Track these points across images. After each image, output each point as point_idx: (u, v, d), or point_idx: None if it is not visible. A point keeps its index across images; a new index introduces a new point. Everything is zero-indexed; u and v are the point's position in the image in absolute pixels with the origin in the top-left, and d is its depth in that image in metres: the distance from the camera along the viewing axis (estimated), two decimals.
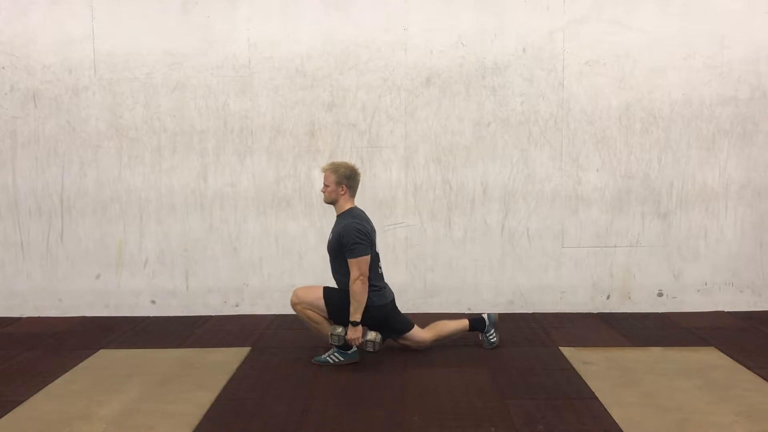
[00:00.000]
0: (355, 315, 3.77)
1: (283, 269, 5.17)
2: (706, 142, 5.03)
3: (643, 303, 5.14)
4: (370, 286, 3.80)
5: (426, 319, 5.01)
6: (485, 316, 4.24)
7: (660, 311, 5.11)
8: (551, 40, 4.97)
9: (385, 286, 4.02)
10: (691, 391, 3.45)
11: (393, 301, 4.03)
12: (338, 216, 3.95)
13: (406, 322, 4.10)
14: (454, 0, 4.96)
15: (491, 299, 5.15)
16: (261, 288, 5.19)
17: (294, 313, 5.05)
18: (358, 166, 4.99)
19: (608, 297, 5.15)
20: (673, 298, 5.14)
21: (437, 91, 5.01)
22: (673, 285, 5.14)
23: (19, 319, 5.17)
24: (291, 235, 5.14)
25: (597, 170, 5.06)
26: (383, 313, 3.93)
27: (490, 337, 4.21)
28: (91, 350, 4.27)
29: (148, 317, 5.16)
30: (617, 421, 3.07)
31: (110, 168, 5.12)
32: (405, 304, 4.99)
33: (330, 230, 4.02)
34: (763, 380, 3.59)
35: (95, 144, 5.10)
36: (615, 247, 5.12)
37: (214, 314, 5.19)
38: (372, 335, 3.86)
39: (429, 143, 5.05)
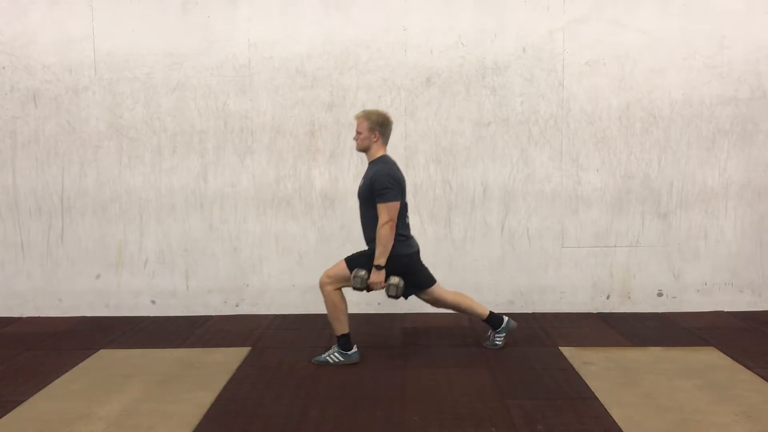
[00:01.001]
0: (380, 259, 3.74)
1: (283, 269, 5.17)
2: (706, 142, 5.03)
3: (643, 303, 5.14)
4: (396, 234, 3.77)
5: (426, 320, 5.02)
6: (505, 318, 4.22)
7: (660, 311, 5.11)
8: (551, 40, 4.97)
9: (411, 237, 3.98)
10: (691, 391, 3.45)
11: (418, 252, 3.98)
12: (370, 163, 3.92)
13: (429, 276, 4.06)
14: (454, 0, 4.96)
15: (491, 299, 5.14)
16: (261, 288, 5.19)
17: (294, 312, 5.10)
18: (358, 165, 5.03)
19: (608, 297, 5.15)
20: (673, 298, 5.14)
21: (437, 91, 5.01)
22: (673, 285, 5.14)
23: (19, 319, 5.17)
24: (291, 235, 5.14)
25: (597, 170, 5.06)
26: (407, 262, 3.88)
27: (497, 338, 4.20)
28: (91, 350, 4.27)
29: (148, 317, 5.16)
30: (617, 421, 3.07)
31: (110, 168, 5.12)
32: (404, 304, 5.00)
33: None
34: (763, 380, 3.59)
35: (95, 144, 5.10)
36: (615, 247, 5.12)
37: (214, 314, 5.19)
38: (395, 279, 3.81)
39: (429, 143, 5.05)
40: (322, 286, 3.90)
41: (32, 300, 5.22)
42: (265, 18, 4.99)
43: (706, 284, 5.14)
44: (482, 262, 5.13)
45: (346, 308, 3.91)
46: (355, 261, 3.88)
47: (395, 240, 3.77)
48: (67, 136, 5.09)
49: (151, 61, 5.03)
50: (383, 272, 3.77)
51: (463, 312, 4.19)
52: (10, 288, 5.22)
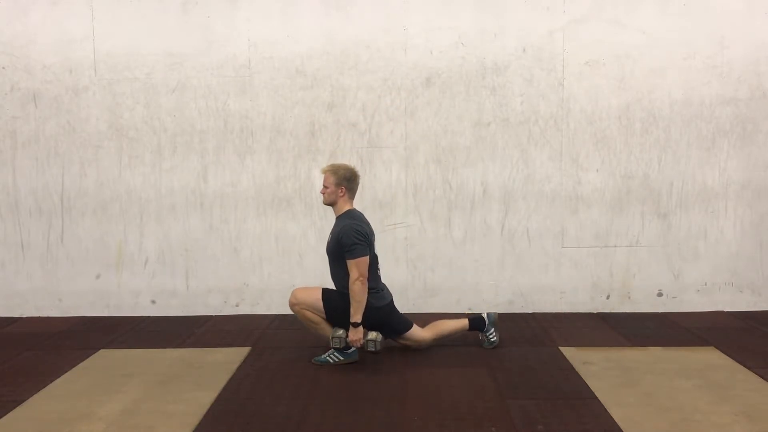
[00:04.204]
0: (356, 316, 3.77)
1: (283, 269, 5.17)
2: (706, 142, 5.03)
3: (643, 303, 5.14)
4: (368, 288, 3.81)
5: (426, 319, 5.01)
6: (485, 316, 4.25)
7: (660, 311, 5.11)
8: (551, 40, 4.97)
9: (384, 288, 4.03)
10: (691, 391, 3.45)
11: (391, 302, 4.05)
12: (337, 218, 3.97)
13: (405, 321, 4.11)
14: (454, 0, 4.96)
15: (491, 299, 5.15)
16: (261, 288, 5.19)
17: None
18: (358, 166, 5.02)
19: (608, 297, 5.15)
20: (673, 298, 5.14)
21: (437, 91, 5.01)
22: (673, 285, 5.13)
23: (19, 319, 5.17)
24: (291, 235, 5.14)
25: (597, 170, 5.06)
26: (381, 314, 3.94)
27: (490, 336, 4.22)
28: (91, 350, 4.27)
29: (148, 317, 5.16)
30: (617, 421, 3.07)
31: (110, 168, 5.12)
32: (405, 304, 5.00)
33: (329, 232, 4.03)
34: (763, 380, 3.59)
35: (95, 144, 5.10)
36: (615, 247, 5.12)
37: (214, 314, 5.19)
38: (373, 335, 3.87)
39: (429, 143, 5.05)
40: (291, 306, 3.95)
41: (32, 300, 5.22)
42: (265, 18, 4.99)
43: (706, 284, 5.13)
44: (482, 262, 5.13)
45: (322, 317, 3.93)
46: (330, 297, 3.91)
47: (368, 293, 3.80)
48: (67, 136, 5.09)
49: (151, 61, 5.03)
50: (361, 329, 3.80)
51: (448, 337, 4.23)
52: (10, 288, 5.22)
